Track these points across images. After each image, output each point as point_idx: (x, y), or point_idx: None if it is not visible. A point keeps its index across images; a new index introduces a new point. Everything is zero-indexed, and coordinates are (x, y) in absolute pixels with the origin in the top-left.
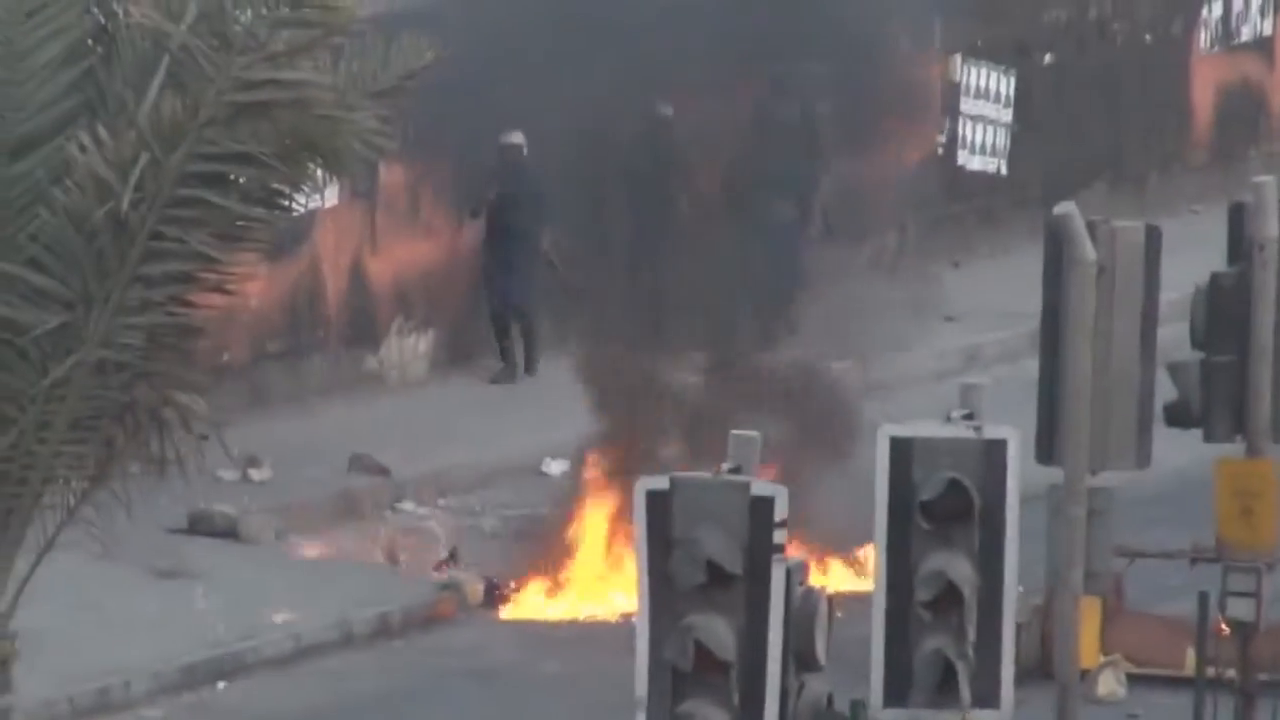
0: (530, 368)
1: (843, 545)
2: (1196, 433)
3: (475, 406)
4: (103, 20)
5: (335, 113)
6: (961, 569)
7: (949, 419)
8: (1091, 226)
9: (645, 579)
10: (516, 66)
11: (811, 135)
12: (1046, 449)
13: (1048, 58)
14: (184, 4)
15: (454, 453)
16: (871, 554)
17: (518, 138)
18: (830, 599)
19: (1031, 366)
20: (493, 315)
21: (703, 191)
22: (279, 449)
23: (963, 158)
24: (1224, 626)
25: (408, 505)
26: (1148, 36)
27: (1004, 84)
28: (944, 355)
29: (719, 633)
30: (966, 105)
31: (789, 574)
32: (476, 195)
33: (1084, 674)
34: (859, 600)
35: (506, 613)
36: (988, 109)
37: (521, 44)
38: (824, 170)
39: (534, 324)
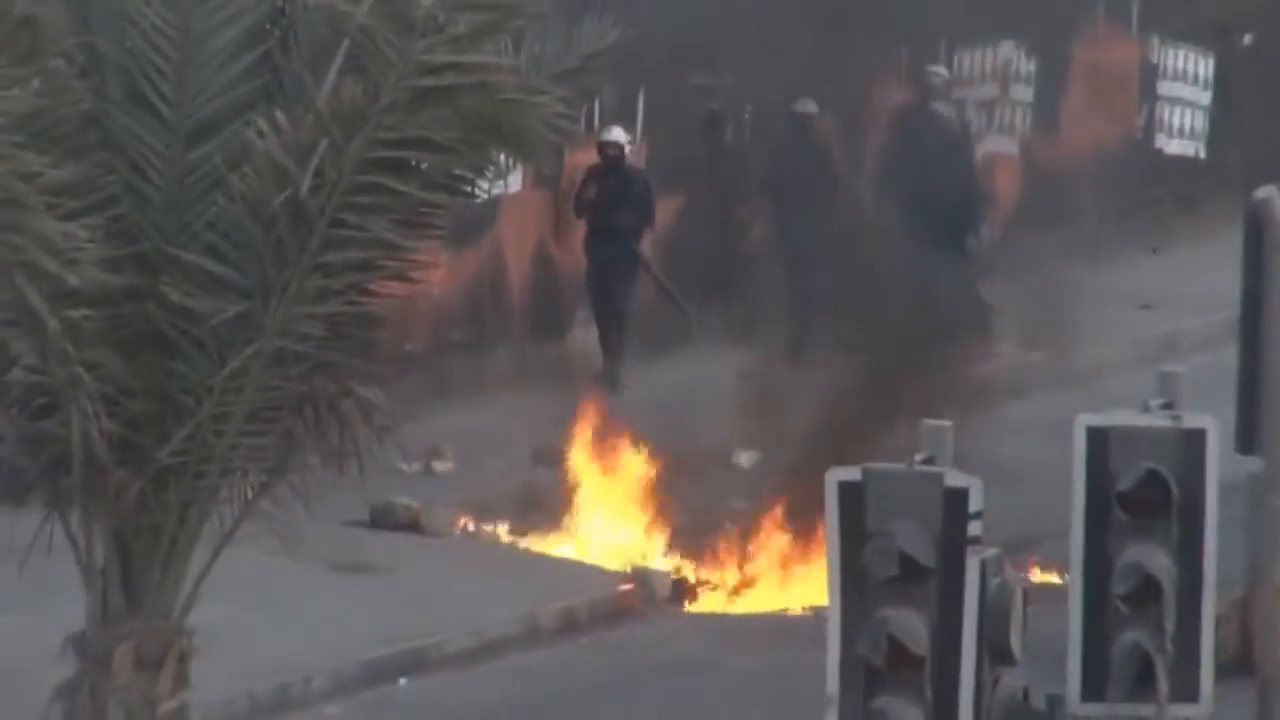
0: (613, 375)
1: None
2: None
3: (669, 395)
4: (280, 3)
5: (518, 96)
6: (1160, 561)
7: (1147, 408)
8: None
9: (837, 572)
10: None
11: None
12: (1247, 438)
13: (1247, 38)
14: None
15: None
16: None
17: (618, 134)
18: (1026, 591)
19: (1231, 354)
20: (596, 318)
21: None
22: (462, 441)
23: (1161, 141)
24: None
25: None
26: None
27: (1203, 66)
28: (1141, 343)
29: (912, 627)
30: (1164, 88)
31: (984, 566)
32: (577, 194)
33: None
34: (1055, 593)
35: (695, 607)
36: (1186, 91)
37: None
38: (975, 193)
39: (625, 331)
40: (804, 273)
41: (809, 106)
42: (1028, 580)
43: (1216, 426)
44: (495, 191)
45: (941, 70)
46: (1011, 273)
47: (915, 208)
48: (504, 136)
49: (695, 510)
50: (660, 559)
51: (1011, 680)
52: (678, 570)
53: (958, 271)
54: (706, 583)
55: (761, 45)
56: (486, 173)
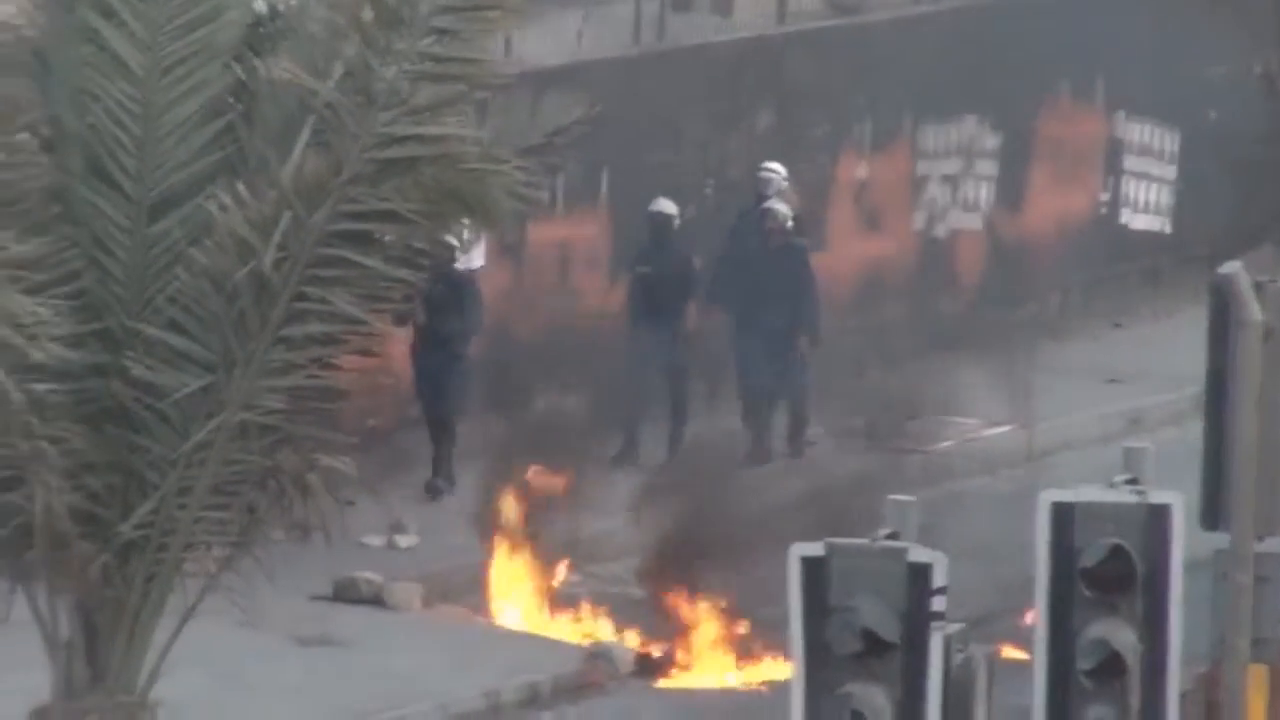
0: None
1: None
2: None
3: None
4: (243, 76)
5: (481, 165)
6: (1125, 637)
7: (1112, 483)
8: (1259, 287)
9: (800, 647)
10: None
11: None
12: (1212, 514)
13: (1212, 114)
14: (330, 61)
15: (603, 521)
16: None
17: (668, 207)
18: (991, 666)
19: (1197, 430)
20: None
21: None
22: (425, 516)
23: (1126, 216)
24: None
25: (560, 573)
26: None
27: (1168, 141)
28: (1107, 418)
29: (876, 702)
30: (1130, 163)
31: (948, 642)
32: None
33: None
34: (1019, 668)
35: (657, 681)
36: (1152, 167)
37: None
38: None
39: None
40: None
41: (667, 207)
42: (993, 655)
43: (1182, 502)
44: (459, 266)
45: (776, 167)
46: (976, 347)
47: (746, 309)
48: (467, 205)
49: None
50: (622, 634)
51: None
52: (640, 645)
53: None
54: (667, 658)
55: (724, 121)
56: (450, 245)
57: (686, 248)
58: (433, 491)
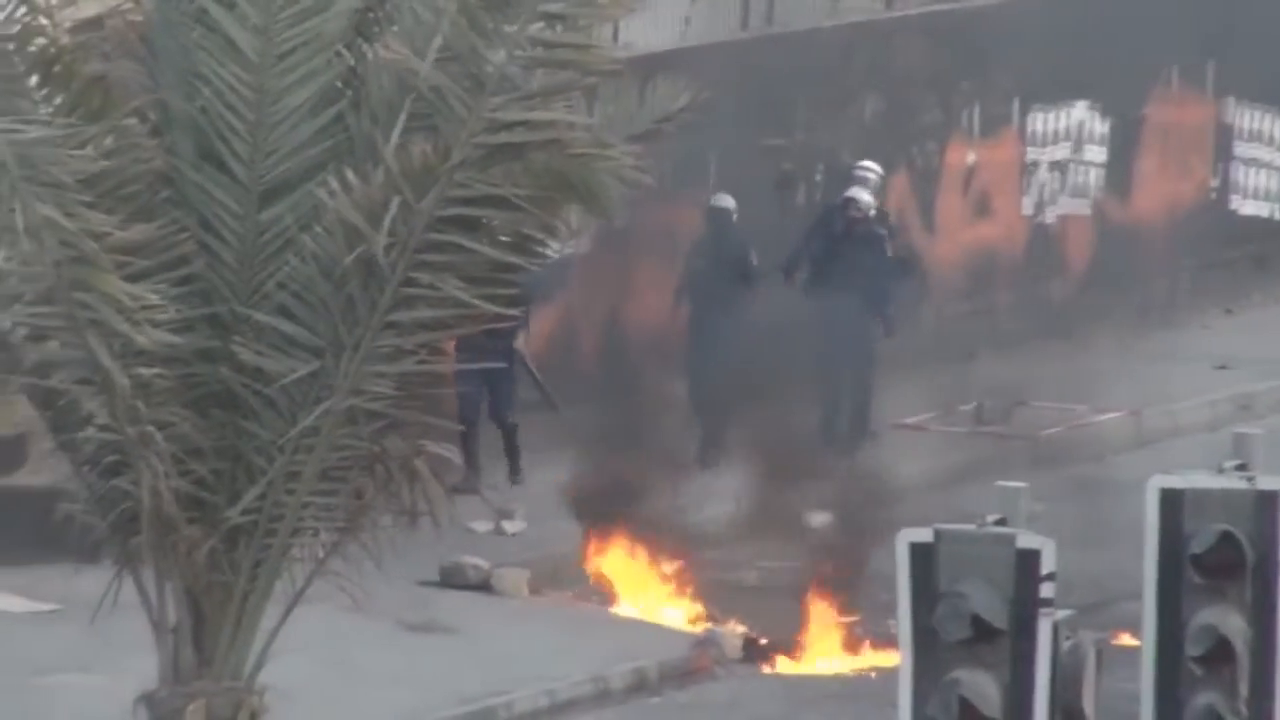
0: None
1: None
2: None
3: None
4: (353, 63)
5: (590, 150)
6: (1234, 623)
7: (1221, 470)
8: None
9: (908, 633)
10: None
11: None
12: None
13: None
14: (430, 42)
15: (715, 506)
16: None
17: (727, 201)
18: (1099, 653)
19: None
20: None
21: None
22: (533, 501)
23: (1235, 202)
24: None
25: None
26: None
27: (1278, 126)
28: (1216, 404)
29: (984, 689)
30: (1240, 149)
31: (1056, 628)
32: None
33: None
34: (1128, 654)
35: (765, 667)
36: (1262, 152)
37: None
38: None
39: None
40: (711, 372)
41: (726, 201)
42: (1101, 642)
43: None
44: (567, 251)
45: (873, 166)
46: (1085, 333)
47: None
48: (575, 191)
49: (763, 571)
50: (731, 620)
51: None
52: (748, 631)
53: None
54: (777, 643)
55: (833, 107)
56: (557, 230)
57: (746, 241)
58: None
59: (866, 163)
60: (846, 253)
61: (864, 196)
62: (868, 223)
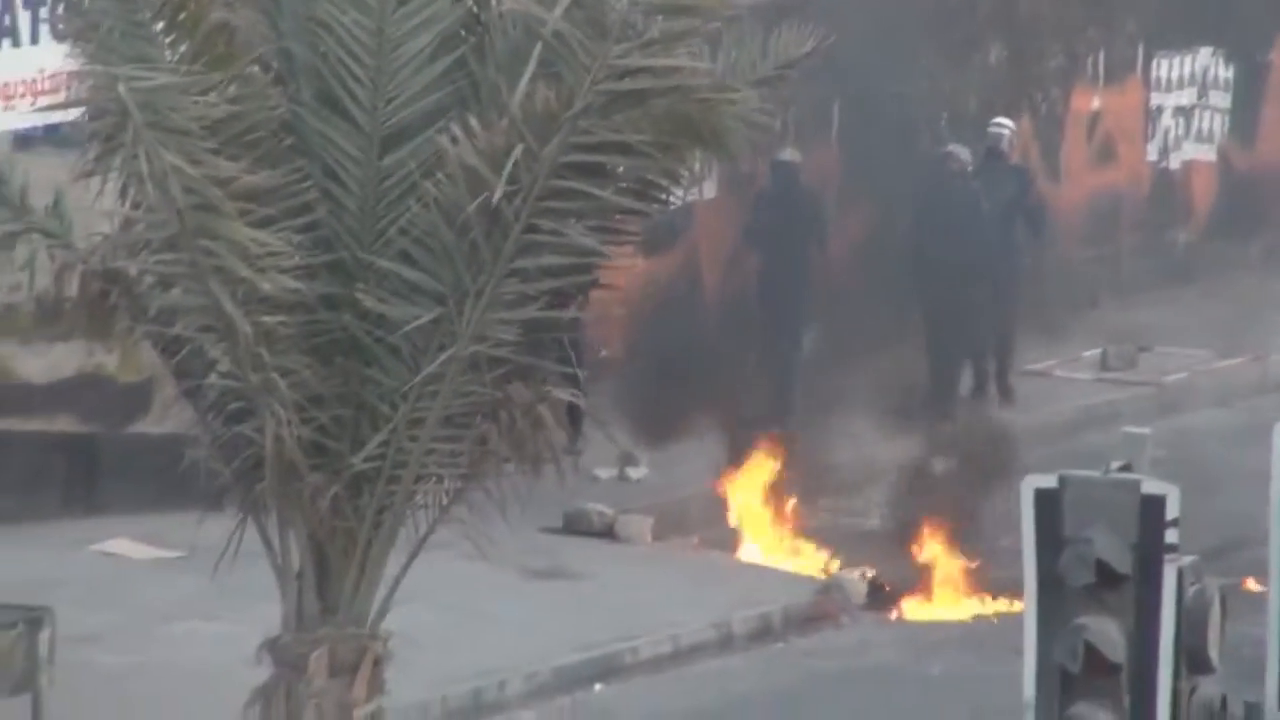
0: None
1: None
2: None
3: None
4: (475, 8)
5: (715, 95)
6: None
7: None
8: None
9: (1033, 579)
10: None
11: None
12: None
13: None
14: None
15: (838, 451)
16: None
17: (793, 155)
18: (1224, 598)
19: None
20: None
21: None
22: (655, 448)
23: None
24: None
25: (793, 505)
26: None
27: None
28: None
29: (1109, 634)
30: None
31: (1181, 574)
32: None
33: None
34: (1254, 599)
35: (890, 613)
36: None
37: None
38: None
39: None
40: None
41: (792, 155)
42: (1227, 587)
43: None
44: (689, 198)
45: (1006, 122)
46: (1209, 279)
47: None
48: (699, 135)
49: (887, 517)
50: (854, 566)
51: (1209, 688)
52: (872, 577)
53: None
54: (901, 589)
55: (957, 53)
56: (681, 177)
57: (817, 194)
58: None
59: (1001, 119)
60: (944, 210)
61: (962, 152)
62: (965, 178)
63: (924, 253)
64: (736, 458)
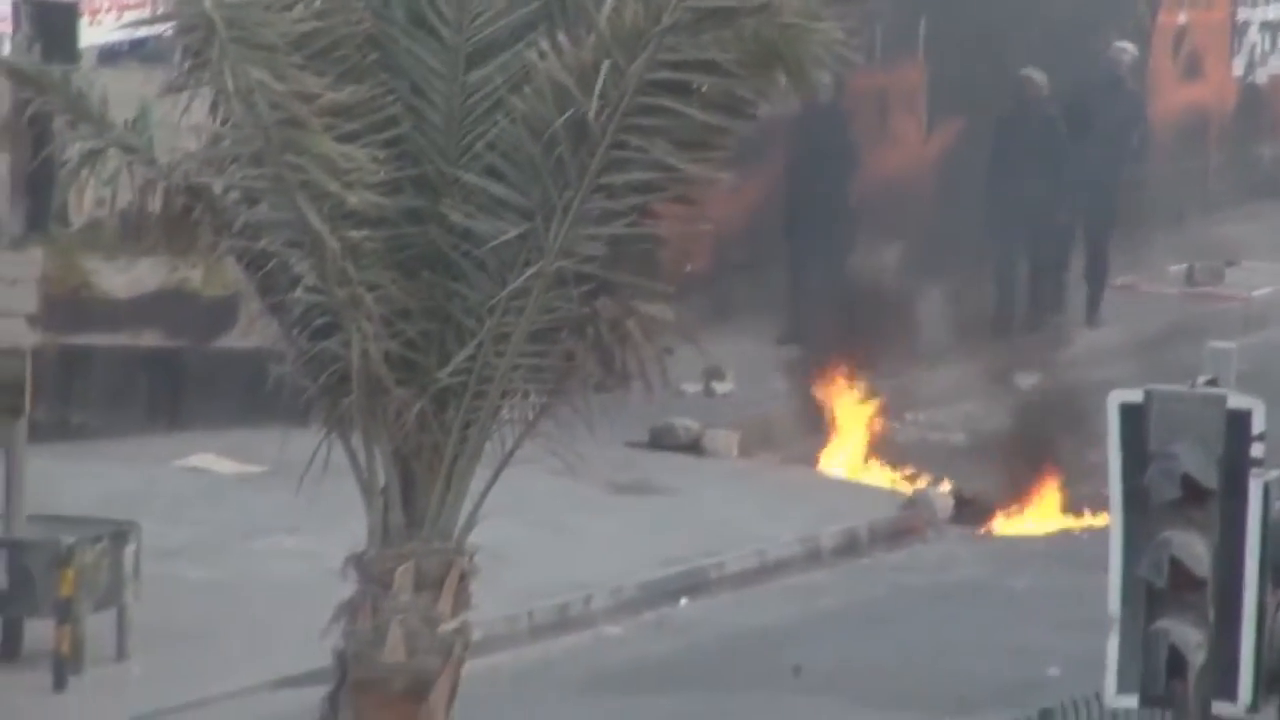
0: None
1: None
2: None
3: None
4: None
5: (800, 20)
6: None
7: None
8: None
9: (1119, 494)
10: None
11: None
12: None
13: None
14: None
15: (923, 368)
16: None
17: (1037, 75)
18: None
19: None
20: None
21: None
22: (742, 362)
23: None
24: None
25: (880, 420)
26: None
27: None
28: None
29: (1195, 548)
30: None
31: (1266, 489)
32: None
33: None
34: None
35: (975, 528)
36: None
37: None
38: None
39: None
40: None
41: (1036, 75)
42: None
43: None
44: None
45: (1128, 46)
46: None
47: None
48: (783, 63)
49: (973, 432)
50: (942, 481)
51: None
52: (959, 492)
53: None
54: (986, 504)
55: None
56: (768, 96)
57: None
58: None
59: (1122, 42)
60: (1023, 135)
61: (1037, 76)
62: (1042, 104)
63: (1002, 175)
64: (824, 372)
